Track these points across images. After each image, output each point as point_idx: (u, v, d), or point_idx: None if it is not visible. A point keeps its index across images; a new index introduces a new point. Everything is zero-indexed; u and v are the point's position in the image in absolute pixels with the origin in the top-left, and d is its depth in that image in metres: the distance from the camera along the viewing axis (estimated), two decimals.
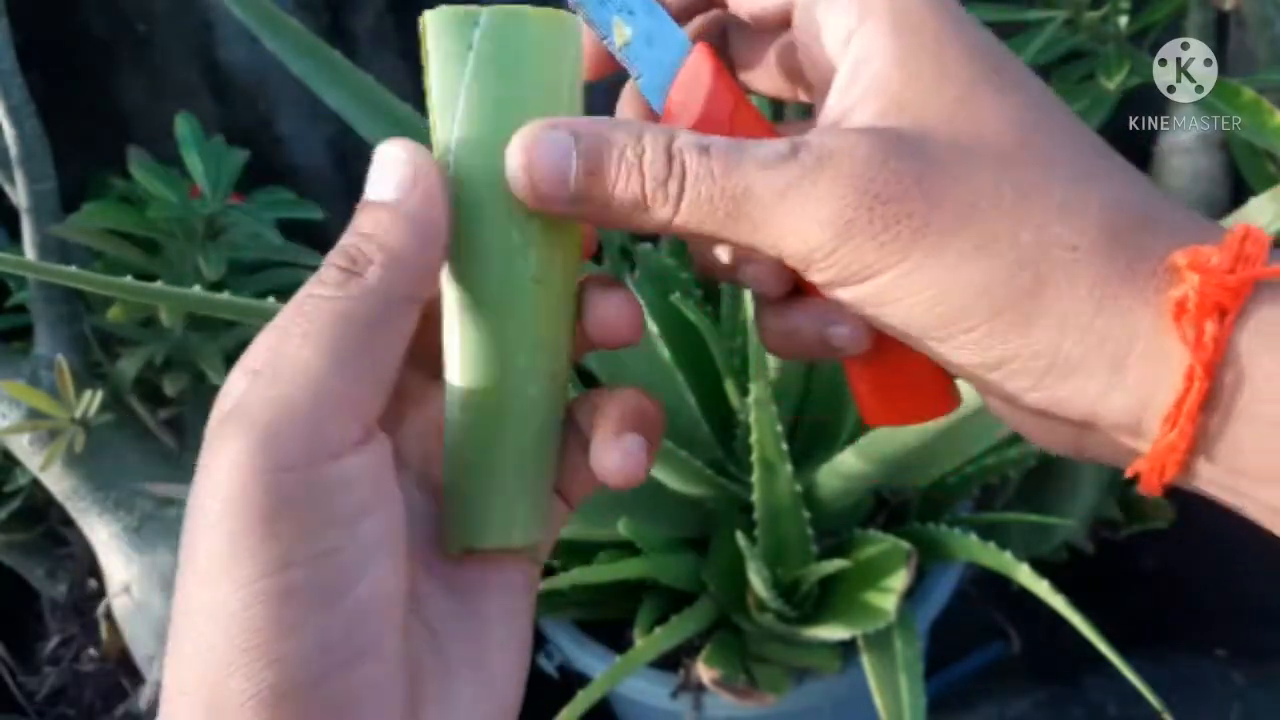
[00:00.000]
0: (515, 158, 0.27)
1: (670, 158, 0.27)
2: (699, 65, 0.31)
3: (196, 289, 0.50)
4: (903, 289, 0.27)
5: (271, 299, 0.51)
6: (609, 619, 0.86)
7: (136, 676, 0.97)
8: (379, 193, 0.28)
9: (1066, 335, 0.26)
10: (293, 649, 0.24)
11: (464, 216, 0.28)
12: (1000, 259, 0.26)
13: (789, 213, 0.27)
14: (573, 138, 0.27)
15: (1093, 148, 0.28)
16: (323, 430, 0.25)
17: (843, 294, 0.28)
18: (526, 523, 0.30)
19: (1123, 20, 0.96)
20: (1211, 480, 0.27)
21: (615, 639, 0.84)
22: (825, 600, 0.81)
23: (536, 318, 0.29)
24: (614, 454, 0.29)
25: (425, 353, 0.30)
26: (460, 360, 0.29)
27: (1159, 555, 1.11)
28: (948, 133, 0.27)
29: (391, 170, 0.28)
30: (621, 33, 0.31)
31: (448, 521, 0.30)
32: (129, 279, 0.49)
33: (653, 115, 0.32)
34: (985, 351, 0.27)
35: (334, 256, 0.27)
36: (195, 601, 0.25)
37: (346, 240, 0.27)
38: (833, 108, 0.29)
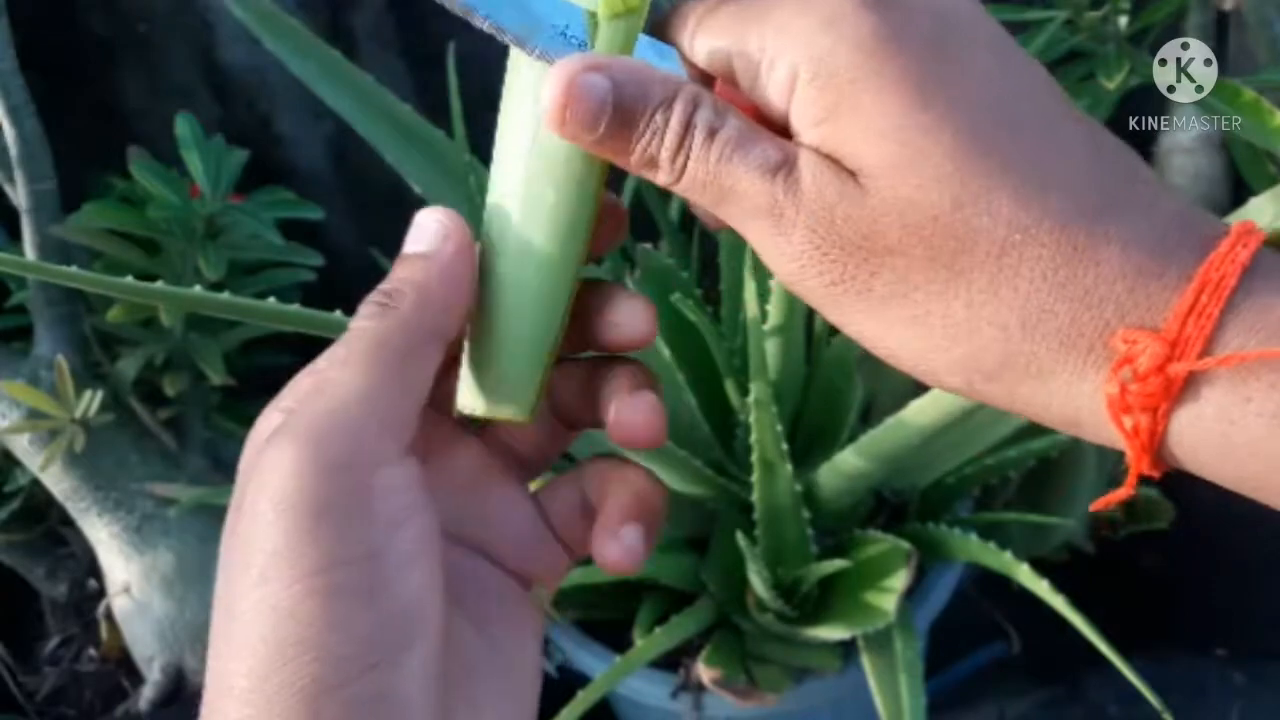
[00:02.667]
0: (554, 92, 0.29)
1: (684, 131, 0.29)
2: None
3: (196, 289, 0.50)
4: (852, 331, 0.29)
5: (272, 299, 0.51)
6: (609, 619, 0.86)
7: (136, 676, 0.97)
8: (414, 247, 0.31)
9: (1015, 399, 0.28)
10: (338, 643, 0.26)
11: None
12: (934, 334, 0.27)
13: (759, 236, 0.29)
14: (611, 85, 0.29)
15: (1032, 184, 0.27)
16: (365, 440, 0.28)
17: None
18: (521, 399, 0.32)
19: (1123, 20, 0.96)
20: None
21: (615, 639, 0.84)
22: (825, 600, 0.81)
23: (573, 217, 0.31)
24: (613, 546, 0.32)
25: (443, 402, 0.33)
26: (494, 253, 0.32)
27: (1159, 555, 1.11)
28: (885, 188, 0.27)
29: (426, 229, 0.31)
30: None
31: (460, 387, 0.32)
32: (129, 279, 0.49)
33: None
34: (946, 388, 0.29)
35: (373, 295, 0.30)
36: (246, 600, 0.27)
37: (384, 284, 0.30)
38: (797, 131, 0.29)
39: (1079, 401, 0.27)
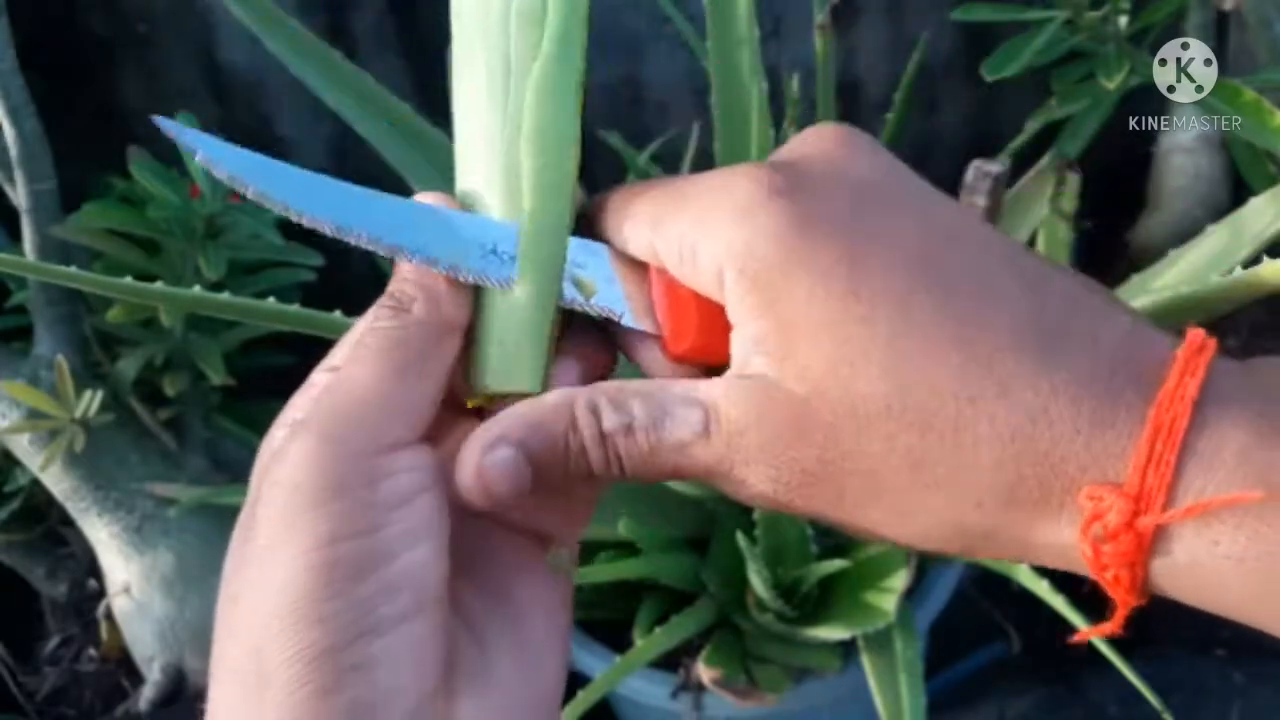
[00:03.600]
0: (470, 483, 0.29)
1: (603, 442, 0.29)
2: (668, 286, 0.31)
3: (196, 289, 0.50)
4: (843, 528, 0.29)
5: (271, 299, 0.51)
6: (609, 619, 0.86)
7: (136, 676, 0.97)
8: None
9: (1007, 554, 0.28)
10: (334, 610, 0.27)
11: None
12: (917, 522, 0.28)
13: (720, 483, 0.29)
14: (517, 451, 0.29)
15: (973, 352, 0.26)
16: (374, 430, 0.29)
17: None
18: (530, 370, 0.32)
19: (1123, 20, 0.96)
20: None
21: (615, 639, 0.84)
22: (825, 600, 0.81)
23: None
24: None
25: (455, 393, 0.33)
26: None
27: None
28: (833, 387, 0.27)
29: None
30: (588, 287, 0.32)
31: (467, 372, 0.32)
32: (129, 279, 0.49)
33: (650, 339, 0.33)
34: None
35: (384, 300, 0.31)
36: (248, 580, 0.28)
37: (393, 286, 0.31)
38: (734, 350, 0.29)
39: (1064, 552, 0.27)
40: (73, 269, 0.48)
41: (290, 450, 0.28)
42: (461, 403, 0.33)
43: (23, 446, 0.87)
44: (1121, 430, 0.26)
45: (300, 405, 0.31)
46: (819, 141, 0.30)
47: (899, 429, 0.27)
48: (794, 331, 0.27)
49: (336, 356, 0.32)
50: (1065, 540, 0.27)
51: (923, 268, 0.27)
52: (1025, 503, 0.27)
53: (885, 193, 0.29)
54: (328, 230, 0.31)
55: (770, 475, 0.28)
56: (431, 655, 0.28)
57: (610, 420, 0.29)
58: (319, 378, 0.32)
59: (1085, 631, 0.30)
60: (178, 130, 0.31)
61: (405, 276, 0.31)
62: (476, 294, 0.32)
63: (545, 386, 0.32)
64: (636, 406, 0.29)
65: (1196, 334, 0.27)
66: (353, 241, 0.31)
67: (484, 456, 0.29)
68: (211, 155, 0.31)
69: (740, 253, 0.28)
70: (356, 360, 0.30)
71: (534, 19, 0.32)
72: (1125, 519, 0.25)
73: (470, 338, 0.32)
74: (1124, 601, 0.27)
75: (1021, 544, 0.27)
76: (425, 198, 0.32)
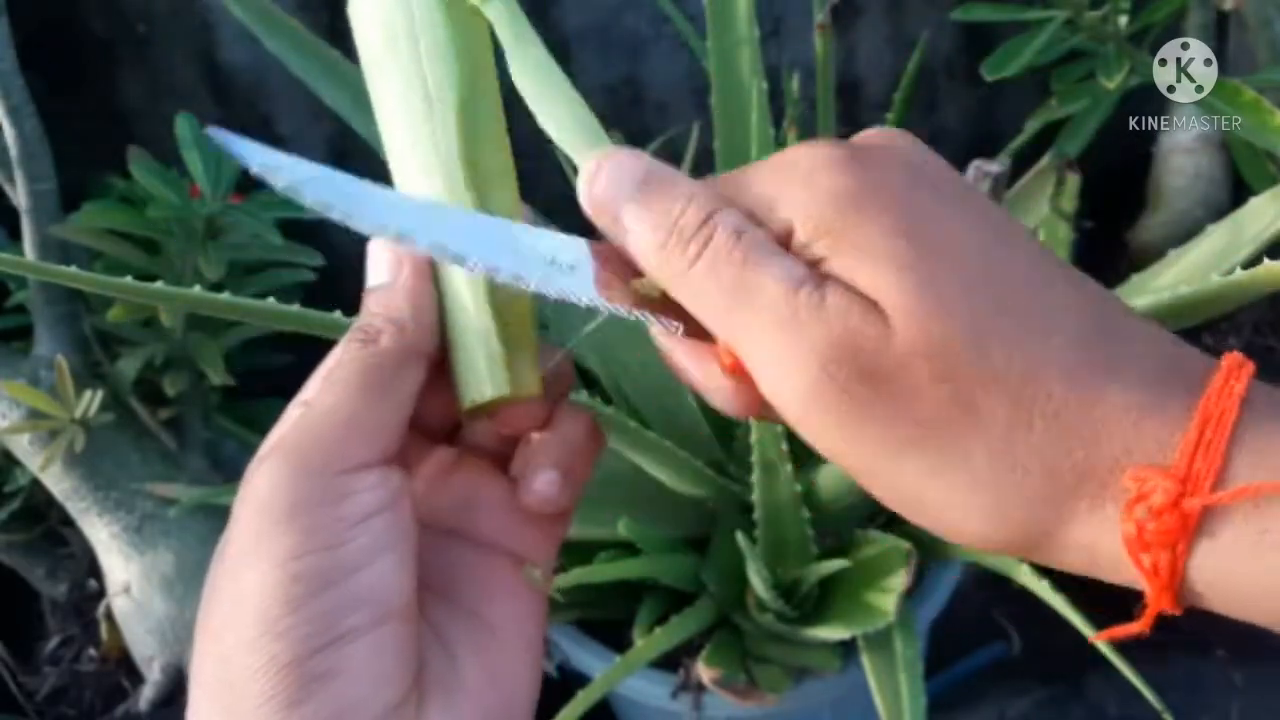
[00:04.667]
0: (591, 164, 0.31)
1: (704, 221, 0.29)
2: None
3: (196, 289, 0.50)
4: (867, 482, 0.29)
5: (271, 299, 0.51)
6: (609, 619, 0.86)
7: (136, 676, 0.97)
8: (377, 278, 0.33)
9: (1032, 543, 0.28)
10: (296, 623, 0.28)
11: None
12: (957, 485, 0.27)
13: (771, 352, 0.28)
14: (646, 163, 0.31)
15: (1034, 327, 0.27)
16: (340, 449, 0.30)
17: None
18: (503, 374, 0.33)
19: (1123, 20, 0.96)
20: None
21: (615, 639, 0.84)
22: (825, 600, 0.81)
23: None
24: (523, 491, 0.34)
25: (428, 422, 0.34)
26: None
27: None
28: (910, 311, 0.27)
29: (381, 259, 0.33)
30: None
31: (458, 383, 0.33)
32: (129, 279, 0.49)
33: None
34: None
35: (353, 333, 0.32)
36: (219, 593, 0.29)
37: (360, 320, 0.33)
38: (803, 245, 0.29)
39: (1097, 542, 0.27)
40: (73, 269, 0.48)
41: (260, 471, 0.29)
42: (434, 429, 0.35)
43: (23, 446, 0.87)
44: (1169, 418, 0.26)
45: (274, 433, 0.32)
46: (874, 136, 0.31)
47: (965, 377, 0.27)
48: (865, 262, 0.28)
49: (309, 389, 0.32)
50: (1105, 525, 0.26)
51: (980, 264, 0.28)
52: (1069, 476, 0.26)
53: (938, 182, 0.29)
54: (389, 237, 0.31)
55: (828, 368, 0.27)
56: (397, 665, 0.29)
57: (730, 218, 0.29)
58: (292, 410, 0.32)
59: (1110, 631, 0.30)
60: (227, 139, 0.31)
61: (372, 310, 0.32)
62: (447, 317, 0.33)
63: (542, 384, 0.33)
64: (760, 231, 0.29)
65: (1234, 355, 0.27)
66: (411, 250, 0.31)
67: (618, 151, 0.31)
68: (268, 165, 0.31)
69: (806, 207, 0.28)
70: (326, 389, 0.31)
71: (442, 56, 0.34)
72: (1172, 499, 0.25)
73: (455, 357, 0.33)
74: (1158, 598, 0.27)
75: (1052, 528, 0.27)
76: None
